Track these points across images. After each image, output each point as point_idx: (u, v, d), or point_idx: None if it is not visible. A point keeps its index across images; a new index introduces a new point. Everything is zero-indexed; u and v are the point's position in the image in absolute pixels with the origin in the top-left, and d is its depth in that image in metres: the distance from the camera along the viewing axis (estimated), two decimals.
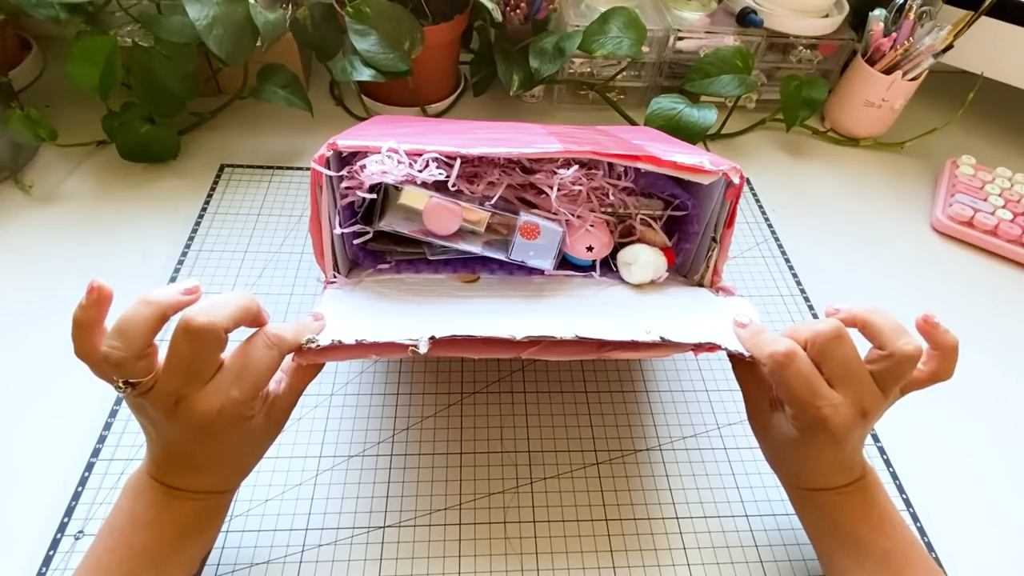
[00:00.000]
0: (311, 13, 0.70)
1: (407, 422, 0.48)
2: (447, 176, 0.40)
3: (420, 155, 0.40)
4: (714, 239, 0.45)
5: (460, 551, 0.42)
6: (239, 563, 0.40)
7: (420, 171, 0.39)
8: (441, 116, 0.76)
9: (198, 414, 0.31)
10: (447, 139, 0.43)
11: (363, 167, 0.40)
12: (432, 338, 0.35)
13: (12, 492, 0.42)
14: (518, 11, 0.71)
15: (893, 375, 0.34)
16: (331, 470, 0.45)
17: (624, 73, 0.76)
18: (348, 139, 0.40)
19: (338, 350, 0.35)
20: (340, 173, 0.41)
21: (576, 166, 0.43)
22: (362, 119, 0.74)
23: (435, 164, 0.40)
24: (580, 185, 0.44)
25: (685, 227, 0.48)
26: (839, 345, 0.34)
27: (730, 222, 0.43)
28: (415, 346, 0.35)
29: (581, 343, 0.37)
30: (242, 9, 0.58)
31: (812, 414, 0.33)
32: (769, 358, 0.34)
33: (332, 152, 0.39)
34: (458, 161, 0.40)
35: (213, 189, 0.64)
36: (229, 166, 0.67)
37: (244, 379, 0.32)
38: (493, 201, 0.42)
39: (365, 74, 0.64)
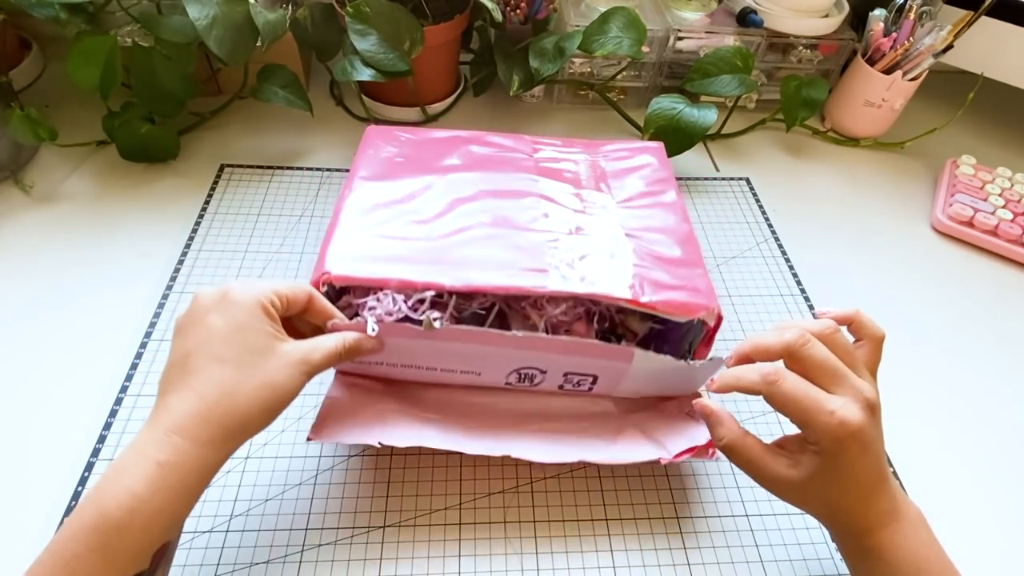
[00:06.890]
0: (311, 13, 0.70)
1: None
2: (440, 317, 0.42)
3: (416, 288, 0.41)
4: (689, 351, 0.46)
5: (460, 551, 0.42)
6: (239, 563, 0.40)
7: (415, 310, 0.41)
8: (441, 116, 0.76)
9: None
10: (442, 231, 0.45)
11: (363, 305, 0.42)
12: (439, 318, 0.36)
13: (13, 491, 0.42)
14: (518, 11, 0.71)
15: (839, 353, 0.35)
16: (331, 470, 0.45)
17: (624, 73, 0.76)
18: (341, 266, 0.42)
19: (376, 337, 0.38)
20: (338, 304, 0.42)
21: (564, 304, 0.44)
22: (362, 119, 0.74)
23: (429, 302, 0.42)
24: (567, 316, 0.45)
25: (661, 339, 0.47)
26: (813, 347, 0.34)
27: (707, 342, 0.45)
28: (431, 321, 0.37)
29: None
30: (242, 9, 0.58)
31: (827, 421, 0.32)
32: (761, 381, 0.34)
33: (327, 286, 0.41)
34: (453, 300, 0.43)
35: (213, 189, 0.64)
36: (229, 166, 0.67)
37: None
38: (487, 324, 0.44)
39: (365, 74, 0.64)
